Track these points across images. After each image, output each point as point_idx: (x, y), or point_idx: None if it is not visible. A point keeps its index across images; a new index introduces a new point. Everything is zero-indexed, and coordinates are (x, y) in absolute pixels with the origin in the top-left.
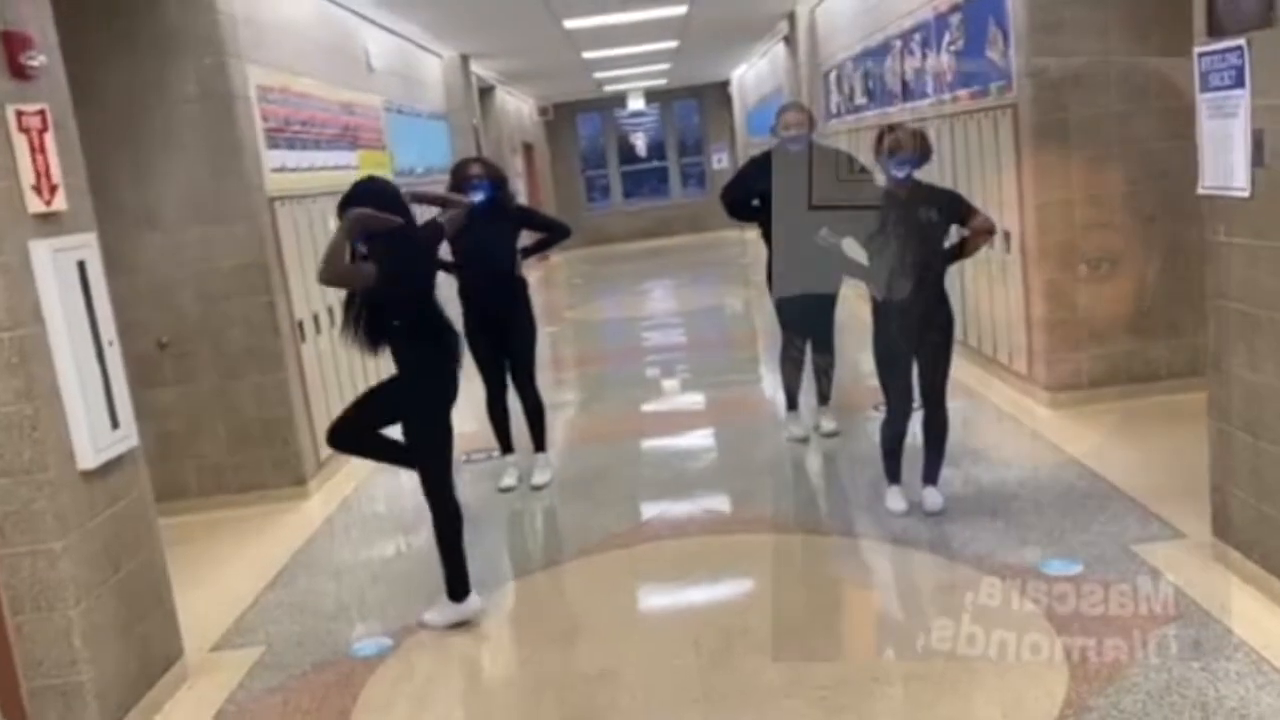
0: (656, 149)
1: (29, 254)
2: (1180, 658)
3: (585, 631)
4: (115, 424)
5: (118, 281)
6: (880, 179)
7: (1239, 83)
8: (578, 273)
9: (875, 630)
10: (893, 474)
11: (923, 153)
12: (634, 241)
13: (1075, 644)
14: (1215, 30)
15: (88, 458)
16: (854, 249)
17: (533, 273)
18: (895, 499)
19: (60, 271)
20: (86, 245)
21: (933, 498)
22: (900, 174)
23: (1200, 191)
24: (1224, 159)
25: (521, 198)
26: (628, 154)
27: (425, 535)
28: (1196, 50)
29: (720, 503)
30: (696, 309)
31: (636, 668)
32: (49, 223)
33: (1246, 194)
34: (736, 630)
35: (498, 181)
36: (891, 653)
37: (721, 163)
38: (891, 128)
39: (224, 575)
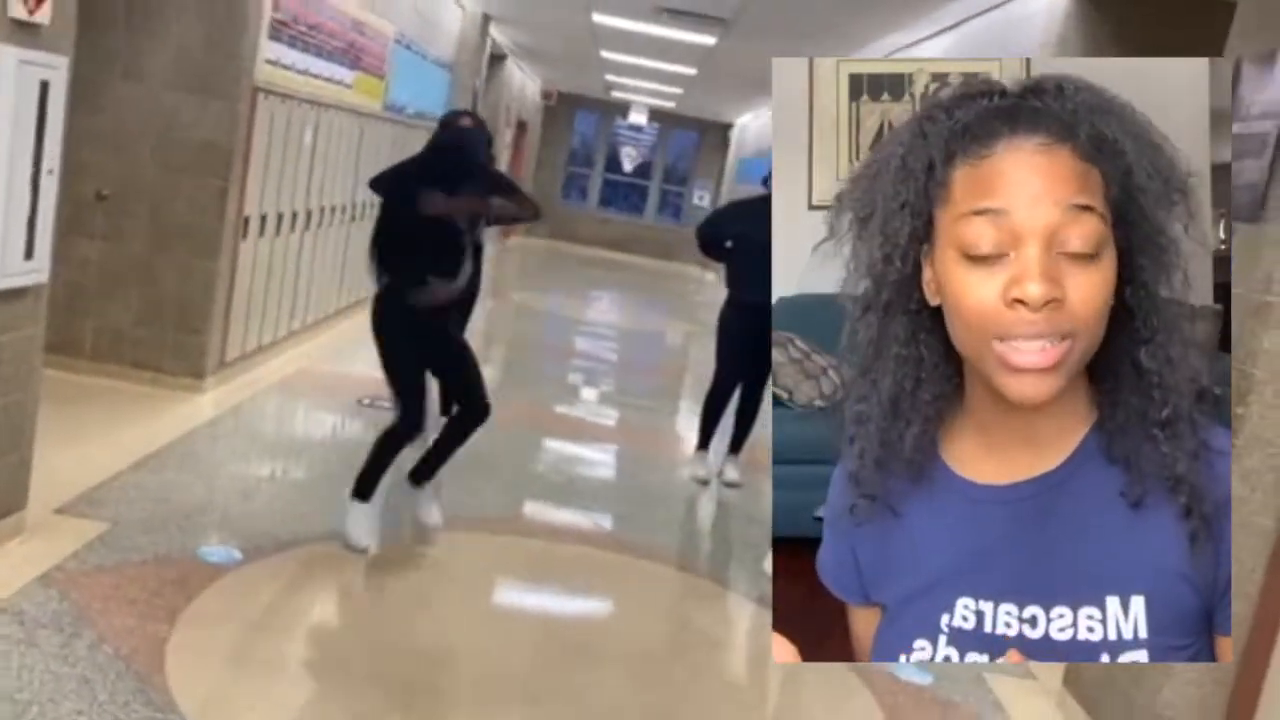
0: (643, 168)
1: None
2: None
3: (429, 608)
4: (29, 254)
5: (82, 119)
6: None
7: None
8: (533, 259)
9: (694, 674)
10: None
11: None
12: (598, 249)
13: None
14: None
15: None
16: None
17: (490, 245)
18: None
19: (21, 84)
20: (56, 68)
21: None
22: None
23: None
24: None
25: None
26: (614, 163)
27: (304, 463)
28: None
29: (601, 519)
30: (637, 330)
31: (468, 657)
32: (26, 32)
33: None
34: (577, 645)
35: (484, 139)
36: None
37: (703, 200)
38: None
39: (90, 443)
